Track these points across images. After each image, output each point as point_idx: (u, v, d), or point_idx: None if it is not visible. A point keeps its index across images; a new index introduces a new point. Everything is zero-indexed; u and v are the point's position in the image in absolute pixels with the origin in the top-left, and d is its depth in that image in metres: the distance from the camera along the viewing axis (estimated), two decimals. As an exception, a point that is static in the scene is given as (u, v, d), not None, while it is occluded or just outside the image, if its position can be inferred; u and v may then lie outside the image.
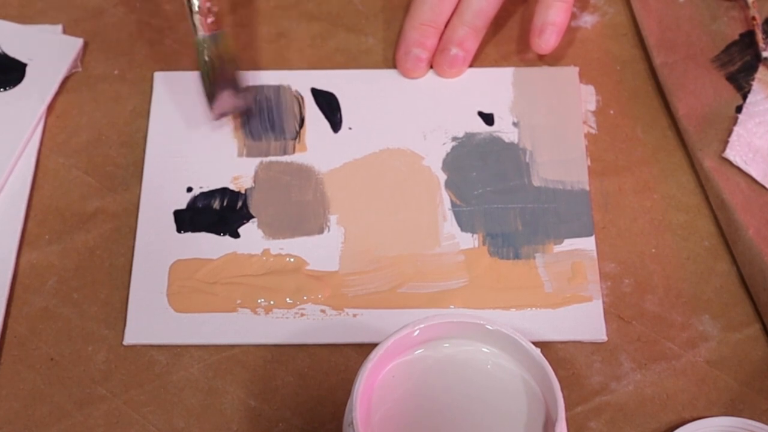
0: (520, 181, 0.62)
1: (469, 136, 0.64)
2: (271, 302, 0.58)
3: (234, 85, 0.63)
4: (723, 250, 0.60)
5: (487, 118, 0.65)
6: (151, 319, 0.58)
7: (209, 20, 0.62)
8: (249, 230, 0.61)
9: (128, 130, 0.65)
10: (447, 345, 0.50)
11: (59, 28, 0.68)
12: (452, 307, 0.58)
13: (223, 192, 0.62)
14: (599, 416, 0.55)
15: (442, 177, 0.62)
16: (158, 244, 0.60)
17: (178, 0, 0.69)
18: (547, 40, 0.64)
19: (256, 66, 0.67)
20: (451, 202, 0.62)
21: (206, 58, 0.62)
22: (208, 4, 0.62)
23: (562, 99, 0.65)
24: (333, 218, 0.61)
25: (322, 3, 0.69)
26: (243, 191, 0.62)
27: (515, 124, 0.64)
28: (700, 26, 0.66)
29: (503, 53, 0.67)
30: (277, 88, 0.65)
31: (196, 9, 0.62)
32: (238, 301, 0.58)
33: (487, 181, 0.62)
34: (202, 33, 0.62)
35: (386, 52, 0.67)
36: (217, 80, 0.62)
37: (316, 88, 0.66)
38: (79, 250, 0.60)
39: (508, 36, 0.68)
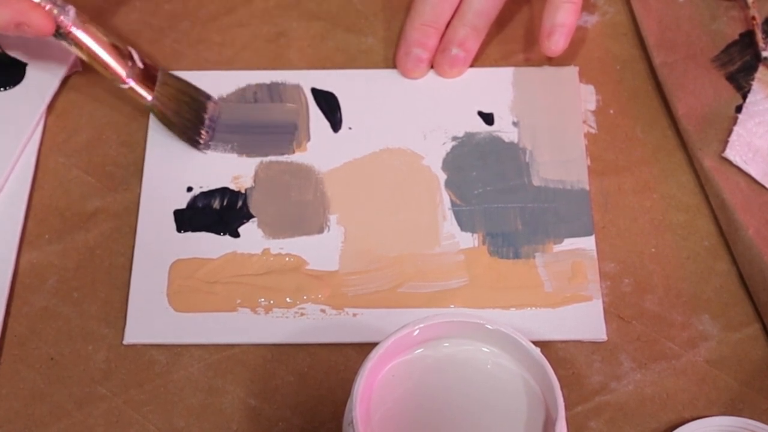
0: (520, 180, 0.62)
1: (469, 136, 0.64)
2: (271, 302, 0.58)
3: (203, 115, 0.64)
4: (723, 249, 0.60)
5: (487, 118, 0.65)
6: (151, 319, 0.58)
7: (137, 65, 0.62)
8: (249, 230, 0.61)
9: (128, 129, 0.65)
10: (447, 344, 0.50)
11: (59, 27, 0.68)
12: (452, 306, 0.58)
13: (223, 192, 0.62)
14: (599, 416, 0.55)
15: (442, 176, 0.62)
16: (158, 243, 0.60)
17: (178, 0, 0.69)
18: (556, 42, 0.64)
19: (256, 66, 0.67)
20: (451, 201, 0.62)
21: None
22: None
23: (562, 99, 0.65)
24: (333, 218, 0.61)
25: (322, 3, 0.69)
26: (243, 191, 0.62)
27: (515, 124, 0.64)
28: (700, 26, 0.66)
29: (504, 53, 0.67)
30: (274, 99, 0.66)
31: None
32: (238, 301, 0.58)
33: (487, 181, 0.62)
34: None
35: (386, 52, 0.67)
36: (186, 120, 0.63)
37: (316, 87, 0.66)
38: (79, 249, 0.60)
39: (509, 35, 0.68)
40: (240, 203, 0.62)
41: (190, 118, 0.63)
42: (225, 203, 0.62)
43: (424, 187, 0.62)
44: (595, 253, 0.60)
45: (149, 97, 0.62)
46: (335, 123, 0.65)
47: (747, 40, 0.66)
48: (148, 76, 0.62)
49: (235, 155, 0.63)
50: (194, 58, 0.67)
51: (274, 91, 0.65)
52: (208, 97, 0.64)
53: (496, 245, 0.60)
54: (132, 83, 0.61)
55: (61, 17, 0.59)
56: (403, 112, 0.65)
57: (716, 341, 0.57)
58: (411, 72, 0.66)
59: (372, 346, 0.48)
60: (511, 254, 0.60)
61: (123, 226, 0.61)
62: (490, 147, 0.63)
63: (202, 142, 0.63)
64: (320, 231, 0.61)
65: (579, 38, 0.67)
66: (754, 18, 0.66)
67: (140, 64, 0.62)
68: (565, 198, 0.62)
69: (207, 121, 0.63)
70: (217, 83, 0.65)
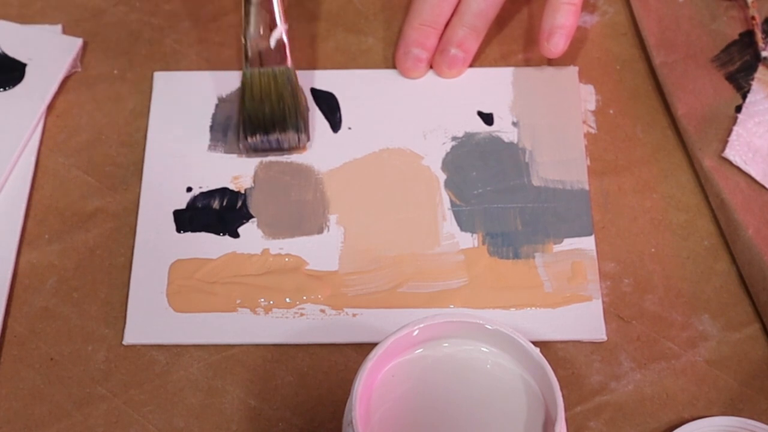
0: (520, 180, 0.62)
1: (469, 136, 0.64)
2: (271, 302, 0.58)
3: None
4: (723, 249, 0.60)
5: (487, 118, 0.65)
6: (150, 319, 0.58)
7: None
8: (249, 230, 0.61)
9: (128, 129, 0.65)
10: (447, 344, 0.50)
11: (59, 28, 0.68)
12: (452, 306, 0.58)
13: (223, 192, 0.62)
14: (599, 416, 0.55)
15: (442, 177, 0.62)
16: (158, 243, 0.60)
17: (178, 0, 0.69)
18: (556, 43, 0.64)
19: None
20: (451, 201, 0.62)
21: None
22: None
23: (561, 99, 0.65)
24: (333, 218, 0.61)
25: (322, 3, 0.69)
26: (243, 191, 0.62)
27: (515, 124, 0.64)
28: (700, 26, 0.66)
29: (504, 53, 0.67)
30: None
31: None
32: (238, 301, 0.58)
33: (486, 181, 0.62)
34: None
35: (386, 52, 0.67)
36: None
37: (316, 88, 0.66)
38: (79, 249, 0.60)
39: (509, 35, 0.68)
40: (240, 203, 0.62)
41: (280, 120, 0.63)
42: (224, 203, 0.62)
43: (423, 187, 0.62)
44: (594, 253, 0.60)
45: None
46: (335, 123, 0.65)
47: (747, 39, 0.66)
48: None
49: (235, 155, 0.63)
50: (194, 58, 0.67)
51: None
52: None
53: (496, 245, 0.60)
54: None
55: None
56: (402, 112, 0.65)
57: (716, 341, 0.57)
58: (410, 72, 0.66)
59: (372, 346, 0.48)
60: (511, 254, 0.60)
61: (123, 226, 0.61)
62: (489, 147, 0.63)
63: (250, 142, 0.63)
64: (320, 231, 0.61)
65: (579, 38, 0.67)
66: (754, 18, 0.66)
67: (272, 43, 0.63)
68: (565, 198, 0.62)
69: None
70: (217, 83, 0.65)
